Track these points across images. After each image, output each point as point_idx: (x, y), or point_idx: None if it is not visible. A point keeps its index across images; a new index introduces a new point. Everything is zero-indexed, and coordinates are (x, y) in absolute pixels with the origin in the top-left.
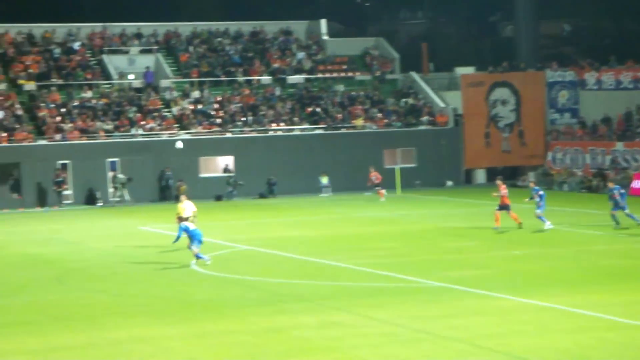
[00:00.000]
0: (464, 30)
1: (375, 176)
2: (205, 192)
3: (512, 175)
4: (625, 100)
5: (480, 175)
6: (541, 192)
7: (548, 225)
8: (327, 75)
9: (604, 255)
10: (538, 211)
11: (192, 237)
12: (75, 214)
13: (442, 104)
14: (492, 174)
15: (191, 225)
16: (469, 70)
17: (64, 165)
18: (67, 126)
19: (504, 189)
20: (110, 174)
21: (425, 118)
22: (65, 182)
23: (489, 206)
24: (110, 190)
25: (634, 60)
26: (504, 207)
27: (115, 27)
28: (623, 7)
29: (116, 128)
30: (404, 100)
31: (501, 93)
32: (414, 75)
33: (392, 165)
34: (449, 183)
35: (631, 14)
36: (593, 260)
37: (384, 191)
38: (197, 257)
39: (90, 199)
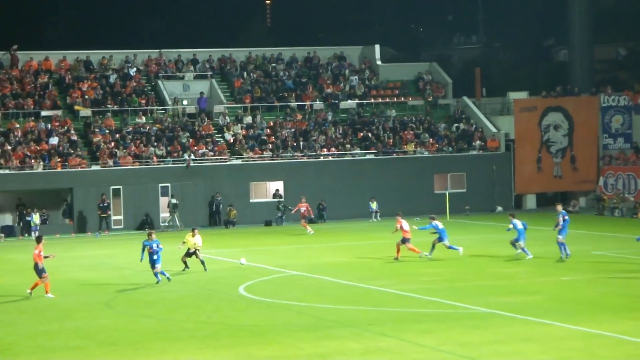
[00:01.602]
0: (518, 55)
1: (305, 207)
2: (255, 217)
3: (563, 200)
4: None
5: (531, 201)
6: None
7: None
8: (380, 100)
9: None
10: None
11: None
12: (125, 238)
13: (493, 129)
14: (543, 200)
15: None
16: (522, 95)
17: (116, 191)
18: (121, 152)
19: (400, 223)
20: (163, 200)
21: (476, 143)
22: (109, 207)
23: (541, 232)
24: (164, 215)
25: None
26: (404, 240)
27: (171, 53)
28: None
29: (169, 153)
30: (455, 125)
31: (554, 118)
32: (467, 100)
33: (442, 190)
34: (499, 208)
35: None
36: None
37: (308, 226)
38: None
39: (143, 224)
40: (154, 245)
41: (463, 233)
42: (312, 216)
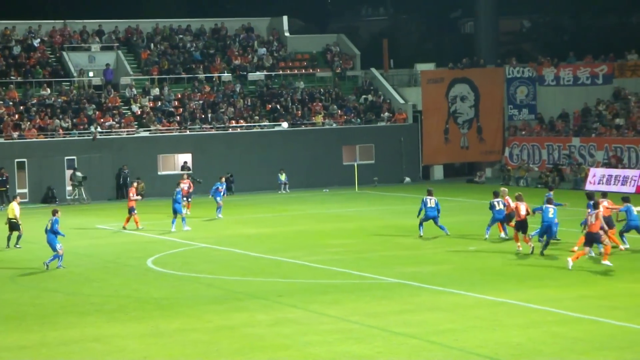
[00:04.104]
0: (425, 27)
1: (188, 184)
2: (163, 189)
3: (469, 171)
4: (582, 96)
5: (438, 172)
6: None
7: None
8: (288, 72)
9: (555, 252)
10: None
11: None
12: (31, 212)
13: (401, 101)
14: (451, 170)
15: None
16: (429, 66)
17: (21, 164)
18: (25, 124)
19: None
20: (68, 172)
21: (384, 115)
22: (7, 181)
23: (447, 202)
24: (68, 188)
25: (591, 56)
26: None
27: (76, 24)
28: (582, 3)
29: (74, 126)
30: (364, 97)
31: (461, 89)
32: (374, 71)
33: (350, 161)
34: (407, 179)
35: (590, 10)
36: (545, 255)
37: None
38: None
39: (47, 198)
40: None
41: (371, 204)
42: (190, 194)
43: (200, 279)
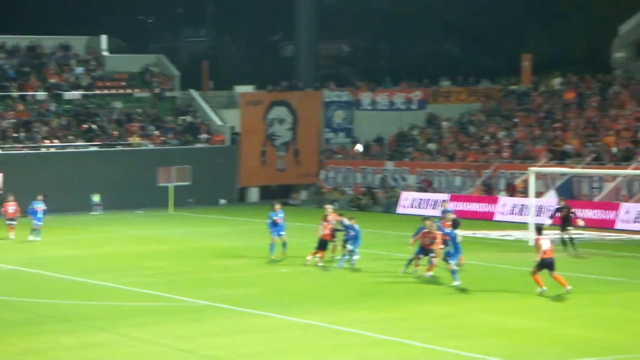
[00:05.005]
0: (245, 49)
1: (13, 207)
2: None
3: (285, 193)
4: (397, 120)
5: (254, 194)
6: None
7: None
8: (106, 91)
9: (366, 274)
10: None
11: None
12: None
13: (220, 122)
14: (266, 193)
15: None
16: (248, 88)
17: None
18: None
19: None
20: None
21: (202, 136)
22: None
23: (261, 224)
24: None
25: (406, 81)
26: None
27: None
28: (398, 29)
29: None
30: (182, 118)
31: (279, 112)
32: (194, 93)
33: (166, 183)
34: (223, 201)
35: (405, 36)
36: (356, 278)
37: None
38: None
39: None
40: None
41: (186, 226)
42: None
43: (4, 301)
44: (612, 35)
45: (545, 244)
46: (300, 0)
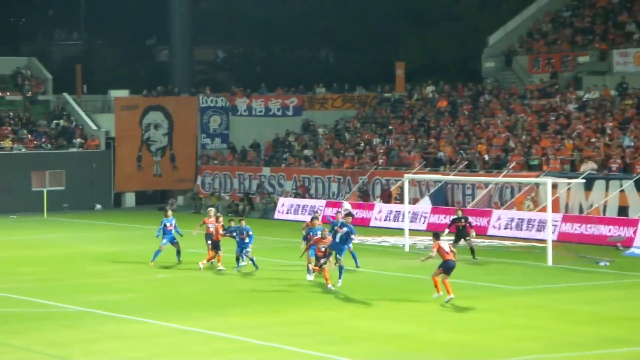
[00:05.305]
0: (120, 53)
1: None
2: None
3: (162, 199)
4: (273, 126)
5: (130, 199)
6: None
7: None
8: None
9: (244, 279)
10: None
11: None
12: None
13: (94, 127)
14: (143, 198)
15: None
16: (123, 93)
17: None
18: None
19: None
20: None
21: (77, 140)
22: None
23: (137, 230)
24: None
25: (282, 88)
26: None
27: None
28: (273, 36)
29: None
30: (55, 122)
31: (154, 117)
32: (67, 96)
33: (40, 187)
34: (98, 206)
35: (281, 42)
36: (234, 283)
37: None
38: None
39: None
40: None
41: (60, 231)
42: None
43: None
44: (482, 46)
45: (446, 247)
46: (174, 4)
